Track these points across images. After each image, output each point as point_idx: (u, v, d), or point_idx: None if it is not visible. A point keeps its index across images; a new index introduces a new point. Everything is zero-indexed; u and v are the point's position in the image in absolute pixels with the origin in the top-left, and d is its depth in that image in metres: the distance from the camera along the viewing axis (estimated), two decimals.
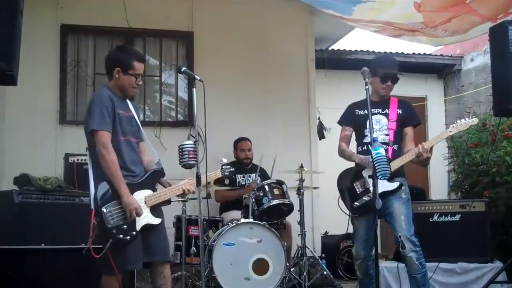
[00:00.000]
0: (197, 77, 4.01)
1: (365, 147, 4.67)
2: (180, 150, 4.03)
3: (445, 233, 5.59)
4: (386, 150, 4.42)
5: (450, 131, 4.53)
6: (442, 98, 10.86)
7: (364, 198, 4.58)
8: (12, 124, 6.63)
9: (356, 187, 4.66)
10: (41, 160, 6.46)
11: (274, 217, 5.99)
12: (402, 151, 4.65)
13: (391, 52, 9.89)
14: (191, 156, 4.00)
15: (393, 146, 4.63)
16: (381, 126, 4.70)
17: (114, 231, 3.80)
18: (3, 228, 4.75)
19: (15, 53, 3.53)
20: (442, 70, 10.85)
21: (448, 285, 5.42)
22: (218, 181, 6.36)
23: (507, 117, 5.81)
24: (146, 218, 3.96)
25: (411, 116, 4.81)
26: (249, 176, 6.70)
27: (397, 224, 4.49)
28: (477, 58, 10.17)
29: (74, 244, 4.62)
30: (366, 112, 4.56)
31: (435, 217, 5.71)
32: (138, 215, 3.86)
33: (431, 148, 4.45)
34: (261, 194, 5.81)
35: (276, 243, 5.46)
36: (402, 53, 10.09)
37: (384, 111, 4.71)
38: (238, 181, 6.66)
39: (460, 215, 5.63)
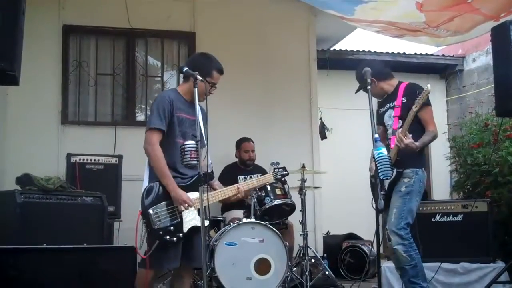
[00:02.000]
0: (199, 77, 4.01)
1: (388, 142, 4.71)
2: (182, 150, 4.04)
3: (447, 233, 5.57)
4: (390, 139, 4.56)
5: (415, 107, 4.46)
6: (444, 99, 10.86)
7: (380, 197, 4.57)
8: (14, 124, 6.64)
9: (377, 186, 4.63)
10: (43, 160, 6.48)
11: (276, 217, 5.98)
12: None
13: (392, 53, 9.92)
14: (193, 156, 4.02)
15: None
16: (392, 120, 4.76)
17: (161, 232, 3.87)
18: (5, 227, 4.76)
19: (17, 53, 3.53)
20: (444, 71, 10.86)
21: (450, 285, 5.40)
22: (224, 176, 6.41)
23: (509, 117, 5.79)
24: (194, 220, 4.02)
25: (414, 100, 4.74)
26: (251, 177, 6.69)
27: (388, 218, 4.53)
28: (479, 58, 10.17)
29: (77, 243, 4.63)
30: (384, 109, 4.78)
31: (437, 217, 5.69)
32: (190, 205, 3.93)
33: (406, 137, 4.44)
34: (263, 194, 5.80)
35: (278, 243, 5.46)
36: (404, 53, 10.11)
37: (393, 104, 4.76)
38: (240, 179, 6.66)
39: (462, 215, 5.61)
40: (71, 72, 7.11)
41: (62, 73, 7.00)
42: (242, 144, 6.82)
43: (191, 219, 4.00)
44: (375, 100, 4.68)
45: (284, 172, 4.84)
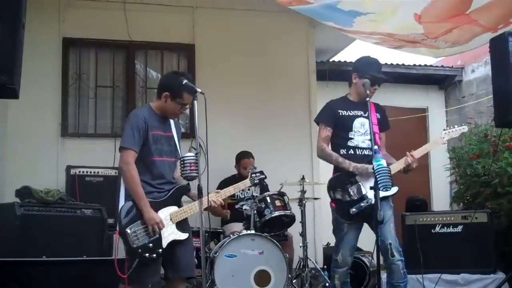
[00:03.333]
0: (199, 89, 4.03)
1: (351, 151, 4.60)
2: (182, 162, 4.04)
3: (448, 244, 5.57)
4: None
5: (443, 137, 4.52)
6: (443, 109, 10.87)
7: (361, 204, 4.47)
8: (14, 137, 6.65)
9: (351, 192, 4.54)
10: (43, 172, 6.48)
11: (276, 228, 5.96)
12: None
13: (391, 64, 9.94)
14: (192, 168, 4.01)
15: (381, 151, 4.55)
16: (365, 130, 4.62)
17: (140, 250, 3.88)
18: (4, 240, 4.75)
19: (17, 66, 3.54)
20: (443, 81, 10.86)
21: None
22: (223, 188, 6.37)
23: (508, 128, 5.81)
24: (172, 234, 4.03)
25: (386, 121, 4.83)
26: (249, 190, 6.68)
27: (387, 231, 4.44)
28: (478, 69, 10.19)
29: (76, 256, 4.62)
30: (351, 113, 4.61)
31: (437, 228, 5.69)
32: (160, 228, 3.93)
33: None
34: (263, 205, 5.80)
35: (278, 254, 5.45)
36: (403, 64, 10.12)
37: (366, 114, 4.60)
38: (237, 195, 6.63)
39: (462, 226, 5.62)
40: (71, 85, 7.13)
41: (62, 86, 7.02)
42: (242, 160, 6.78)
43: (169, 233, 4.01)
44: (358, 122, 4.67)
45: (262, 176, 4.78)
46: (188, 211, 4.14)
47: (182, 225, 4.10)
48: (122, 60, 7.35)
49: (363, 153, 4.59)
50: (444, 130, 4.54)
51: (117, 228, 3.95)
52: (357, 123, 4.66)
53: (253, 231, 5.56)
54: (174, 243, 4.03)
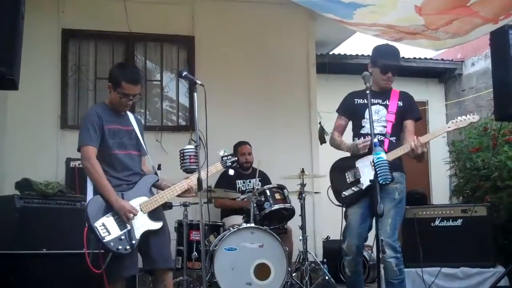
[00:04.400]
0: (198, 81, 4.02)
1: (361, 138, 4.51)
2: (181, 155, 4.04)
3: (447, 237, 5.58)
4: (382, 142, 4.35)
5: (449, 127, 4.38)
6: (443, 103, 10.87)
7: (352, 188, 4.45)
8: (13, 129, 6.63)
9: (347, 176, 4.51)
10: (43, 164, 6.47)
11: (275, 222, 5.97)
12: (401, 144, 4.49)
13: None
14: (192, 160, 4.01)
15: (391, 138, 4.50)
16: (380, 117, 4.57)
17: (112, 244, 3.80)
18: (4, 232, 4.76)
19: (16, 58, 3.54)
20: (443, 75, 10.86)
21: None
22: (222, 181, 6.37)
23: (508, 121, 5.81)
24: (145, 224, 3.95)
25: (412, 109, 4.67)
26: (249, 182, 6.68)
27: (382, 227, 4.31)
28: (478, 63, 10.18)
29: (75, 249, 4.61)
30: (366, 101, 4.44)
31: (437, 222, 5.70)
32: (134, 214, 3.86)
33: (426, 143, 4.33)
34: (263, 198, 5.80)
35: (277, 248, 5.45)
36: (403, 57, 10.06)
37: (384, 102, 4.58)
38: (239, 187, 6.64)
39: (462, 219, 5.63)
40: (70, 76, 7.11)
41: (61, 77, 6.99)
42: (238, 147, 6.80)
43: (142, 224, 3.93)
44: (373, 109, 4.51)
45: (233, 159, 4.53)
46: (158, 200, 4.04)
47: (154, 214, 4.01)
48: (121, 52, 7.32)
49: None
50: (453, 120, 4.42)
51: (86, 224, 3.84)
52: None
53: (253, 224, 5.56)
54: (148, 234, 3.95)
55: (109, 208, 3.86)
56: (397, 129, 4.56)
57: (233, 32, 7.52)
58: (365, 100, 4.46)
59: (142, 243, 3.94)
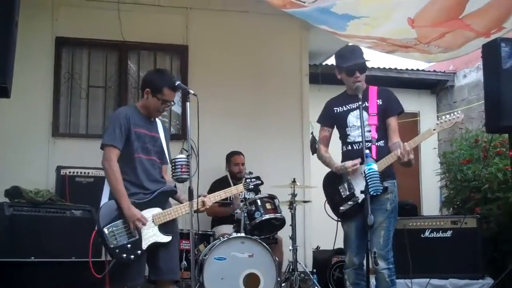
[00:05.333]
0: (191, 91, 4.02)
1: (349, 147, 4.46)
2: (173, 164, 4.03)
3: (437, 249, 5.59)
4: (369, 148, 4.24)
5: (434, 129, 4.27)
6: (435, 114, 10.90)
7: (349, 202, 4.39)
8: (4, 136, 6.57)
9: (341, 190, 4.45)
10: (33, 172, 6.43)
11: (266, 231, 5.95)
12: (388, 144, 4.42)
13: (384, 68, 9.97)
14: (183, 170, 4.01)
15: (378, 144, 4.40)
16: (363, 122, 4.40)
17: (117, 250, 3.81)
18: None
19: (9, 65, 3.54)
20: (435, 86, 10.91)
21: None
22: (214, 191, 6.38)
23: (499, 133, 5.84)
24: (154, 236, 3.96)
25: (392, 105, 4.53)
26: (240, 192, 6.67)
27: (375, 239, 4.30)
28: (470, 75, 10.23)
29: (65, 257, 4.62)
30: (345, 108, 4.43)
31: (427, 233, 5.71)
32: (143, 224, 3.87)
33: (413, 148, 4.23)
34: (253, 208, 5.79)
35: (267, 258, 5.43)
36: (396, 68, 10.16)
37: (364, 104, 4.43)
38: (230, 197, 6.61)
39: (451, 231, 5.64)
40: (62, 84, 7.08)
41: (54, 85, 6.97)
42: (232, 157, 6.81)
43: (151, 235, 3.94)
44: (353, 116, 4.46)
45: (257, 182, 4.70)
46: (172, 214, 4.05)
47: (166, 227, 4.02)
48: (114, 60, 7.31)
49: (360, 147, 4.33)
50: (438, 122, 4.34)
51: (96, 227, 3.86)
52: (351, 117, 4.48)
53: (243, 234, 5.55)
54: (156, 246, 3.96)
55: (121, 215, 3.87)
56: (382, 131, 4.46)
57: (227, 42, 7.53)
58: (344, 107, 4.46)
59: (150, 254, 3.96)
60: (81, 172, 6.00)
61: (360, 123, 4.29)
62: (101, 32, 7.13)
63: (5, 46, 3.49)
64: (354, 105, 4.47)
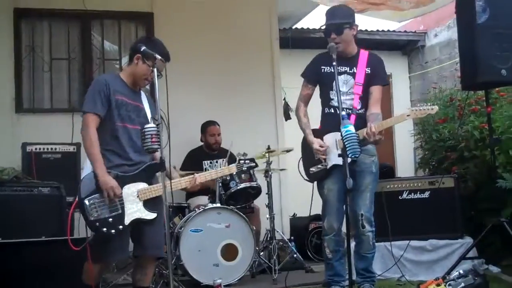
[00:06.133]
0: (158, 56, 3.84)
1: (331, 110, 4.38)
2: (142, 134, 3.86)
3: (415, 210, 5.53)
4: (349, 116, 4.19)
5: (408, 115, 4.17)
6: (407, 75, 10.88)
7: (318, 166, 4.41)
8: None
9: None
10: None
11: (242, 201, 5.88)
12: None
13: None
14: (154, 140, 3.83)
15: (359, 112, 4.36)
16: (348, 88, 4.40)
17: (97, 224, 3.68)
18: None
19: None
20: (406, 47, 10.88)
21: (419, 263, 5.38)
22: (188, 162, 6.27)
23: (475, 90, 5.77)
24: (138, 212, 3.82)
25: (379, 74, 4.50)
26: (216, 162, 6.57)
27: (361, 201, 4.35)
28: (441, 34, 10.18)
29: (35, 236, 4.45)
30: (333, 70, 4.17)
31: (404, 195, 5.65)
32: (115, 194, 3.71)
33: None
34: (228, 178, 5.67)
35: (244, 227, 5.39)
36: (366, 30, 10.05)
37: (352, 70, 4.42)
38: (205, 168, 6.51)
39: (429, 192, 5.58)
40: (24, 58, 6.84)
41: (15, 59, 6.73)
42: (207, 127, 6.66)
43: (134, 211, 3.81)
44: (340, 80, 4.35)
45: (251, 164, 4.60)
46: (158, 190, 3.89)
47: (151, 204, 3.88)
48: (77, 31, 7.07)
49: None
50: (412, 108, 4.24)
51: (76, 198, 3.74)
52: (339, 81, 4.30)
53: (219, 204, 5.46)
54: (140, 222, 3.84)
55: None
56: (365, 101, 4.42)
57: (193, 8, 7.29)
58: (332, 69, 4.22)
59: (134, 230, 3.84)
60: (48, 148, 5.79)
61: (348, 89, 4.35)
62: (62, 2, 6.87)
63: None
64: (342, 69, 4.40)
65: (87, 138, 3.76)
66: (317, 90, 4.62)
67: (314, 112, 4.63)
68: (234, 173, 4.63)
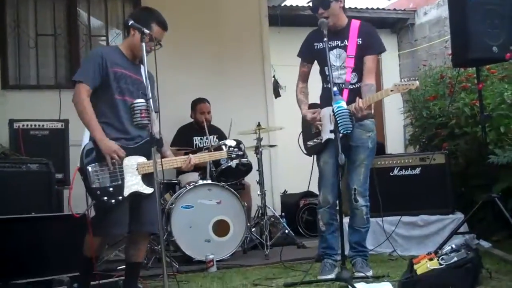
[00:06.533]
0: (146, 30, 3.75)
1: (328, 85, 4.28)
2: (132, 110, 3.80)
3: (406, 186, 5.53)
4: (341, 91, 4.20)
5: (392, 90, 4.12)
6: (396, 53, 10.86)
7: (315, 140, 4.45)
8: None
9: (313, 127, 4.47)
10: None
11: (232, 177, 5.87)
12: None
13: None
14: (143, 115, 3.79)
15: (350, 87, 4.33)
16: (341, 62, 4.36)
17: (98, 192, 3.62)
18: None
19: None
20: (396, 25, 10.84)
21: (411, 238, 5.40)
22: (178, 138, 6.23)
23: (466, 67, 5.75)
24: (136, 185, 3.76)
25: (372, 43, 4.42)
26: (206, 139, 6.51)
27: (355, 176, 4.37)
28: (430, 12, 10.15)
29: (24, 213, 4.39)
30: (327, 45, 4.19)
31: (396, 171, 5.65)
32: (119, 156, 3.66)
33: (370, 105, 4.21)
34: None
35: (235, 203, 5.38)
36: (356, 8, 10.00)
37: (343, 43, 4.37)
38: (196, 144, 6.48)
39: (420, 168, 5.59)
40: (9, 34, 6.71)
41: (0, 35, 6.60)
42: (197, 105, 6.60)
43: (133, 183, 3.75)
44: (333, 55, 4.34)
45: (239, 153, 4.68)
46: (157, 166, 3.76)
47: (148, 179, 3.80)
48: (63, 7, 6.94)
49: (339, 88, 4.25)
50: (396, 83, 4.13)
51: (78, 164, 3.67)
52: (332, 56, 4.31)
53: (209, 181, 5.43)
54: (139, 196, 3.79)
55: (102, 156, 3.66)
56: (360, 73, 4.37)
57: None
58: (324, 45, 4.20)
59: (132, 205, 3.79)
60: (35, 125, 5.70)
61: (341, 63, 4.33)
62: None
63: None
64: (333, 43, 4.37)
65: (82, 108, 3.68)
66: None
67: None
68: (225, 157, 4.66)
